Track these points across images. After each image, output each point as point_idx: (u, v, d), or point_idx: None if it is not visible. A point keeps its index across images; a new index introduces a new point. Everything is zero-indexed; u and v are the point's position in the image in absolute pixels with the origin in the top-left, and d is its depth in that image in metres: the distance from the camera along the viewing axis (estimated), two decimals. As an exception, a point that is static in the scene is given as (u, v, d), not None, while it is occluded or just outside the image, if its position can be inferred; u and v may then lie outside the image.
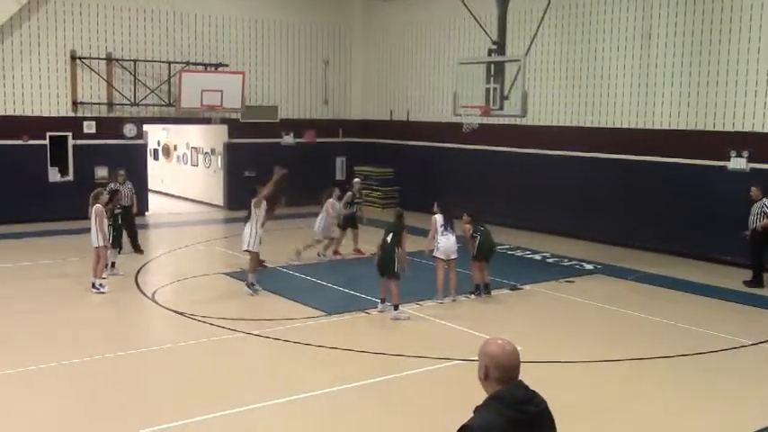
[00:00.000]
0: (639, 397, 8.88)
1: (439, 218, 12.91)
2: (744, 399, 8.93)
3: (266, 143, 23.71)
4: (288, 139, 24.36)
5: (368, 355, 10.19)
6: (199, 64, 22.22)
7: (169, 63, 21.85)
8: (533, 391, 3.68)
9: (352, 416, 8.36)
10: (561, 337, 11.24)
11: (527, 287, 14.17)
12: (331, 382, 9.08)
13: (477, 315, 12.61)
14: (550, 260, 16.74)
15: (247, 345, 10.67)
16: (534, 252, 17.51)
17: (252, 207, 13.35)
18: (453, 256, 12.92)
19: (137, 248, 16.50)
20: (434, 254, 12.91)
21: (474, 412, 3.60)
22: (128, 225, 16.08)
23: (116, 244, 14.65)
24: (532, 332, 11.29)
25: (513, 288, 14.08)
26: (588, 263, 16.28)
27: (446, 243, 12.80)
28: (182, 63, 21.83)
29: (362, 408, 8.58)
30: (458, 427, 3.52)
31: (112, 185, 16.03)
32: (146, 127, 22.55)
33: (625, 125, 18.00)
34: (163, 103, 21.96)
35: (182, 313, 12.04)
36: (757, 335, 11.26)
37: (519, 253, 17.50)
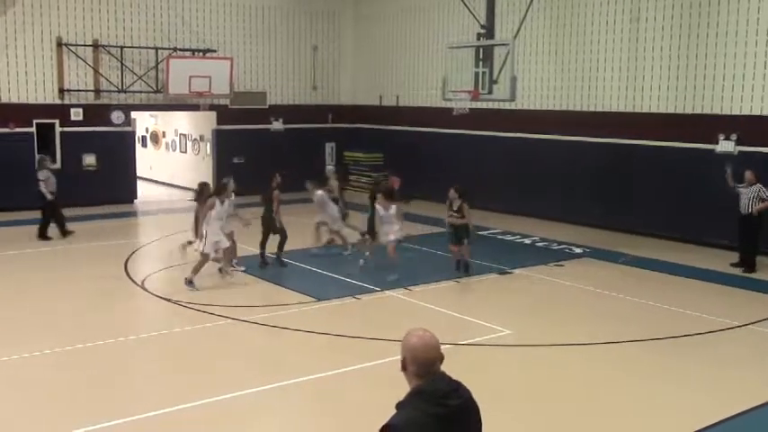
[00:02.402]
0: (622, 379, 8.96)
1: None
2: (721, 382, 9.02)
3: (255, 129, 23.65)
4: (277, 124, 24.29)
5: (359, 340, 10.22)
6: (186, 50, 22.08)
7: (156, 49, 21.69)
8: (457, 383, 3.57)
9: (340, 401, 8.38)
10: (549, 320, 11.24)
11: (516, 271, 14.22)
12: (320, 368, 9.08)
13: (465, 299, 12.69)
14: (540, 244, 16.80)
15: (236, 331, 10.68)
16: (524, 236, 17.57)
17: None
18: None
19: (65, 233, 16.77)
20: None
21: (396, 408, 3.46)
22: (53, 213, 16.63)
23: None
24: (519, 316, 11.30)
25: (502, 272, 14.13)
26: (577, 247, 16.34)
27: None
28: (169, 49, 21.68)
29: (351, 393, 8.59)
30: (380, 426, 3.39)
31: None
32: (134, 114, 22.42)
33: (614, 109, 18.02)
34: (151, 89, 21.81)
35: (171, 300, 12.05)
36: (739, 316, 11.34)
37: (508, 237, 17.55)
